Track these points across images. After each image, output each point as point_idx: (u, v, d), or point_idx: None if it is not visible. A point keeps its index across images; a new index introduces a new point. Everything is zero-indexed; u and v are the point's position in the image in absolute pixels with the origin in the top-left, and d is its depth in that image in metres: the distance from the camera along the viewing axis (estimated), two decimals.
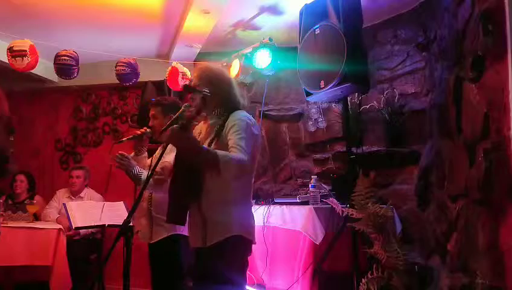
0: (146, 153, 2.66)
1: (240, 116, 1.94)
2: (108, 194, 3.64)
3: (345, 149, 3.18)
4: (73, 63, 3.59)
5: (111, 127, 5.08)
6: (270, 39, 3.58)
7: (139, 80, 3.86)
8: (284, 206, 3.34)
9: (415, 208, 3.30)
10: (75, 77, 3.70)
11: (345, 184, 2.95)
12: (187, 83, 2.11)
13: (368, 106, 3.72)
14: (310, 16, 3.05)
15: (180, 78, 3.88)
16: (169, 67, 3.92)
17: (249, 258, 1.96)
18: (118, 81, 3.85)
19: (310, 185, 3.36)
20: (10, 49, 3.39)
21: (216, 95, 1.96)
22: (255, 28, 3.95)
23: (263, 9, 3.61)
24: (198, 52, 4.31)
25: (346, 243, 2.84)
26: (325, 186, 3.64)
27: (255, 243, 1.98)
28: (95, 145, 5.11)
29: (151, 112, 2.75)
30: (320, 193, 3.31)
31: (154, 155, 2.63)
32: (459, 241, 2.25)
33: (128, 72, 3.75)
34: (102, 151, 4.90)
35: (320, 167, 4.06)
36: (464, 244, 2.24)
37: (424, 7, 3.39)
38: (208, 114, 2.02)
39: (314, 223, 3.06)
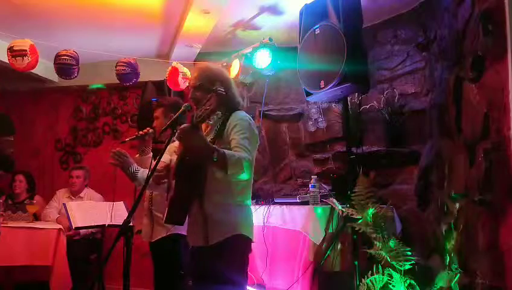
0: (151, 153, 2.66)
1: (242, 116, 1.96)
2: (108, 194, 3.64)
3: (345, 149, 3.17)
4: (74, 63, 3.59)
5: (111, 127, 5.08)
6: (270, 39, 3.58)
7: (139, 80, 3.86)
8: (284, 206, 3.34)
9: (415, 208, 3.30)
10: (75, 77, 3.69)
11: (345, 184, 2.95)
12: (199, 83, 2.06)
13: (368, 106, 3.72)
14: (310, 16, 3.05)
15: (180, 78, 3.88)
16: (169, 67, 3.92)
17: (249, 257, 1.96)
18: (118, 81, 3.85)
19: (310, 185, 3.36)
20: (10, 49, 3.39)
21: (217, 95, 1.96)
22: (255, 28, 3.95)
23: (263, 9, 3.61)
24: (198, 52, 4.31)
25: (346, 243, 2.85)
26: (325, 186, 3.64)
27: (253, 242, 1.99)
28: (95, 145, 5.11)
29: (155, 113, 2.77)
30: (320, 193, 3.31)
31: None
32: (459, 241, 2.25)
33: (128, 72, 3.74)
34: (102, 151, 4.90)
35: (320, 167, 4.06)
36: (464, 244, 2.25)
37: (424, 7, 3.39)
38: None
39: (314, 223, 3.06)
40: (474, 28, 2.15)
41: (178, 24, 3.85)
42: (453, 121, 2.54)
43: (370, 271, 2.52)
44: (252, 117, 2.06)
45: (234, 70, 3.82)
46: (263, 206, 3.46)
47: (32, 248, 3.61)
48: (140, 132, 2.68)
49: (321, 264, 3.01)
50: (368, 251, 2.58)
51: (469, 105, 2.26)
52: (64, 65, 3.57)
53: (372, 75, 3.38)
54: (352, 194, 2.64)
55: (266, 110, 4.28)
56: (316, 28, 2.94)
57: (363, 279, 2.51)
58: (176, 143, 2.09)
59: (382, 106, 3.62)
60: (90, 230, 3.95)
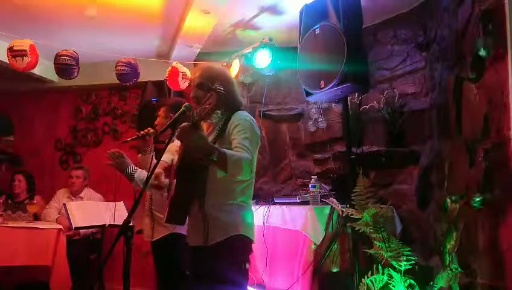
0: (153, 152, 2.66)
1: (244, 116, 1.96)
2: (108, 194, 3.64)
3: (345, 149, 3.17)
4: (74, 63, 3.58)
5: (111, 127, 5.08)
6: (270, 39, 3.58)
7: (139, 80, 3.85)
8: (284, 206, 3.35)
9: (415, 208, 3.30)
10: (75, 76, 3.69)
11: (345, 184, 2.95)
12: (200, 82, 2.06)
13: (367, 106, 3.73)
14: (310, 16, 3.05)
15: (180, 78, 3.88)
16: (169, 67, 3.92)
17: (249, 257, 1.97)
18: (118, 81, 3.85)
19: (310, 185, 3.36)
20: (10, 49, 3.39)
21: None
22: (255, 28, 3.95)
23: (263, 9, 3.61)
24: (198, 52, 4.31)
25: (346, 243, 2.85)
26: (325, 186, 3.64)
27: (254, 243, 1.98)
28: (95, 145, 5.10)
29: (158, 112, 2.79)
30: (320, 193, 3.31)
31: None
32: (459, 241, 2.25)
33: (128, 72, 3.74)
34: (102, 152, 4.89)
35: (320, 167, 4.07)
36: (464, 244, 2.25)
37: (424, 7, 3.39)
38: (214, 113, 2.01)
39: (314, 223, 3.06)
40: (474, 28, 2.15)
41: (178, 24, 3.85)
42: (453, 121, 2.54)
43: (370, 271, 2.52)
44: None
45: (234, 70, 3.82)
46: (263, 206, 3.46)
47: (32, 248, 3.61)
48: (142, 132, 2.69)
49: (321, 264, 3.01)
50: (368, 251, 2.58)
51: (469, 105, 2.27)
52: (64, 65, 3.57)
53: (372, 75, 3.38)
54: (352, 194, 2.64)
55: (266, 110, 4.28)
56: (316, 28, 2.94)
57: (363, 279, 2.51)
58: (178, 143, 2.09)
59: (382, 106, 3.62)
60: (90, 230, 3.95)
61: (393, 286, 2.45)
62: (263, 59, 3.59)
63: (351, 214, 2.61)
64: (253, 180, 2.01)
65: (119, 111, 5.07)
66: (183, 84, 3.89)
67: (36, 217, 4.16)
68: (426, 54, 3.39)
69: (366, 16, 2.95)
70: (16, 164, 4.66)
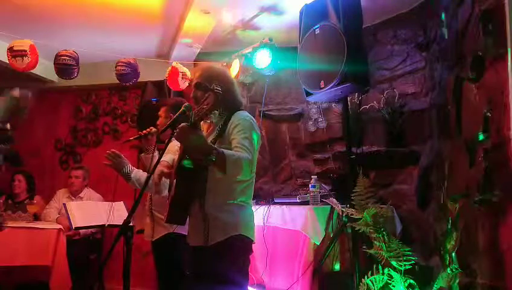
0: (156, 152, 2.67)
1: (244, 116, 1.96)
2: (108, 194, 3.64)
3: (345, 149, 3.17)
4: (74, 63, 3.58)
5: (111, 127, 5.08)
6: (270, 39, 3.58)
7: (139, 80, 3.86)
8: (284, 206, 3.35)
9: (415, 208, 3.30)
10: (75, 77, 3.69)
11: (345, 184, 2.95)
12: (199, 82, 2.06)
13: (367, 106, 3.73)
14: (310, 16, 3.05)
15: (180, 78, 3.88)
16: (169, 67, 3.92)
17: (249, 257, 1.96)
18: (118, 81, 3.85)
19: (310, 185, 3.36)
20: (10, 49, 3.39)
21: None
22: (255, 28, 3.95)
23: (263, 9, 3.61)
24: (198, 52, 4.31)
25: (346, 243, 2.85)
26: (325, 186, 3.64)
27: (254, 243, 1.98)
28: (95, 145, 5.11)
29: (159, 112, 2.79)
30: (320, 193, 3.31)
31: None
32: (459, 241, 2.25)
33: (128, 72, 3.74)
34: (102, 152, 4.88)
35: (320, 167, 4.07)
36: (464, 244, 2.25)
37: (424, 7, 3.39)
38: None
39: (314, 223, 3.06)
40: (474, 28, 2.15)
41: (178, 24, 3.85)
42: (453, 121, 2.54)
43: (370, 271, 2.52)
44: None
45: (234, 70, 3.82)
46: (263, 206, 3.46)
47: (32, 248, 3.61)
48: (144, 131, 2.69)
49: (321, 264, 3.01)
50: (368, 251, 2.58)
51: (469, 105, 2.26)
52: (64, 65, 3.57)
53: (372, 75, 3.38)
54: (352, 194, 2.64)
55: (266, 110, 4.28)
56: (316, 28, 2.94)
57: (363, 279, 2.51)
58: (178, 143, 2.10)
59: (382, 106, 3.63)
60: (90, 230, 3.95)
61: (393, 286, 2.45)
62: (263, 59, 3.59)
63: (351, 214, 2.61)
64: (254, 180, 2.01)
65: (119, 111, 5.07)
66: (183, 84, 3.89)
67: (36, 217, 4.16)
68: (426, 54, 3.39)
69: (366, 16, 2.95)
70: (16, 164, 4.65)
